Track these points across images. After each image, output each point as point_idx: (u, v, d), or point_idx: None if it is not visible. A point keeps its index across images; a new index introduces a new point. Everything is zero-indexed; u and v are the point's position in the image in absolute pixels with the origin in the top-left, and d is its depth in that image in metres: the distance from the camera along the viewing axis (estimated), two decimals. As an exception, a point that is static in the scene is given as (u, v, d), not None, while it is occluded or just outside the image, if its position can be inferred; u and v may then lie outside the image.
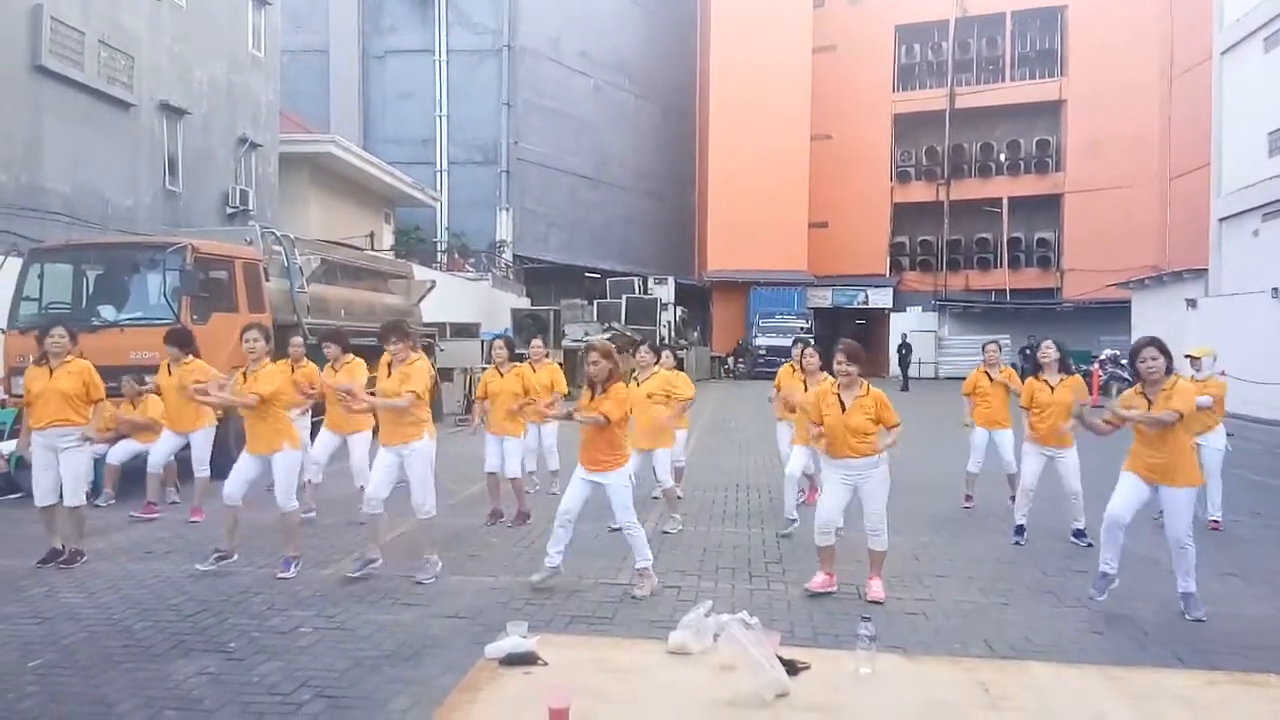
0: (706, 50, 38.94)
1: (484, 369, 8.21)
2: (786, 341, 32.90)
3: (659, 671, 2.95)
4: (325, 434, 8.36)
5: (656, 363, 8.13)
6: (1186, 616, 5.41)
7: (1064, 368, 7.42)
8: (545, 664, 2.96)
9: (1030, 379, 7.56)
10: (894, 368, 36.62)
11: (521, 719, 2.55)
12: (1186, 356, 8.17)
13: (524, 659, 2.98)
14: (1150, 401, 5.40)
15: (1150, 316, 26.60)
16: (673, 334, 30.37)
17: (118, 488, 8.91)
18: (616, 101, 38.16)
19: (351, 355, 8.39)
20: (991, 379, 8.62)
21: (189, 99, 17.79)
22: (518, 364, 8.40)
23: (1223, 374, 8.73)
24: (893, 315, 37.76)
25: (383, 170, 25.24)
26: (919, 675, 3.00)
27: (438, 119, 33.06)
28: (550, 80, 34.70)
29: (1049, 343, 7.47)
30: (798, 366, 7.96)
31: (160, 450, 8.33)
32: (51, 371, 6.64)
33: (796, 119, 36.50)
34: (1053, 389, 7.25)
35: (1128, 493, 5.50)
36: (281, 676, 4.48)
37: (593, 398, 5.90)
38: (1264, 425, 17.36)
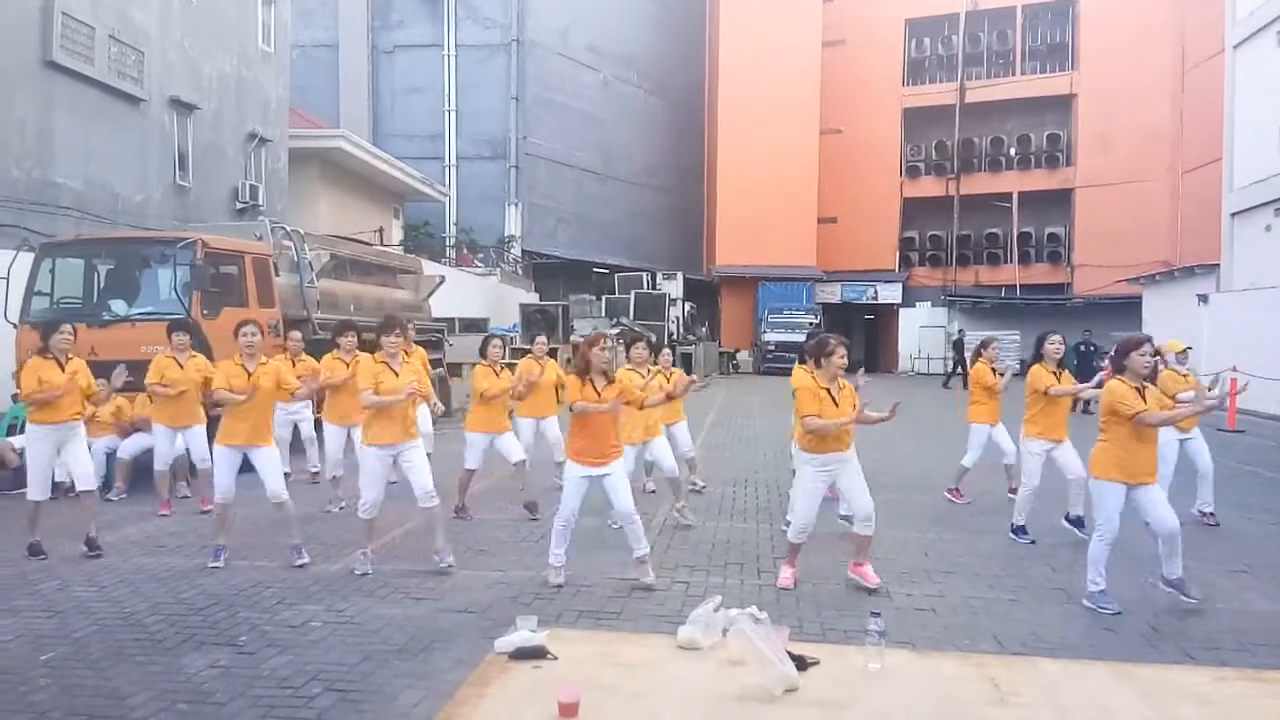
0: (715, 44, 38.82)
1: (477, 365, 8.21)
2: (796, 337, 32.82)
3: (668, 666, 2.96)
4: (331, 428, 8.37)
5: (654, 361, 8.20)
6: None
7: (1065, 363, 7.57)
8: (554, 658, 2.97)
9: (1035, 367, 7.44)
10: (904, 361, 36.85)
11: (530, 713, 2.56)
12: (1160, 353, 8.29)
13: (533, 653, 2.99)
14: (1143, 395, 5.46)
15: (1161, 312, 26.44)
16: (681, 329, 30.34)
17: (129, 482, 8.97)
18: (625, 96, 38.09)
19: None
20: (996, 374, 8.62)
21: (199, 94, 17.84)
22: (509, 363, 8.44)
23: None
24: (902, 310, 37.64)
25: (392, 165, 25.27)
26: (928, 671, 3.00)
27: (446, 114, 33.04)
28: (559, 75, 34.65)
29: (1058, 336, 7.50)
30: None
31: (164, 447, 8.28)
32: (63, 366, 6.74)
33: (806, 113, 36.36)
34: (1059, 381, 7.35)
35: (1120, 504, 5.52)
36: (292, 670, 4.51)
37: (594, 386, 5.90)
38: (1276, 422, 17.26)
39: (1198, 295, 22.85)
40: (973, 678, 2.88)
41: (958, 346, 28.61)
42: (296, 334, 9.58)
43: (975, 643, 4.95)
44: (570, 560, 6.15)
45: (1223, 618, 5.42)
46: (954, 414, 8.86)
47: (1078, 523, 7.30)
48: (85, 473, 6.88)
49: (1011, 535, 7.32)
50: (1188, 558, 5.72)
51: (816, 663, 2.90)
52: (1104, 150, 35.63)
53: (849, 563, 6.07)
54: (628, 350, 7.64)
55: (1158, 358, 6.97)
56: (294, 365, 8.90)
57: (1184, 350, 8.27)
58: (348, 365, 8.20)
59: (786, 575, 6.05)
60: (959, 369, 27.65)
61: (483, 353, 8.22)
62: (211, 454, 6.98)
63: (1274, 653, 4.82)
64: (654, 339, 11.56)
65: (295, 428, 9.79)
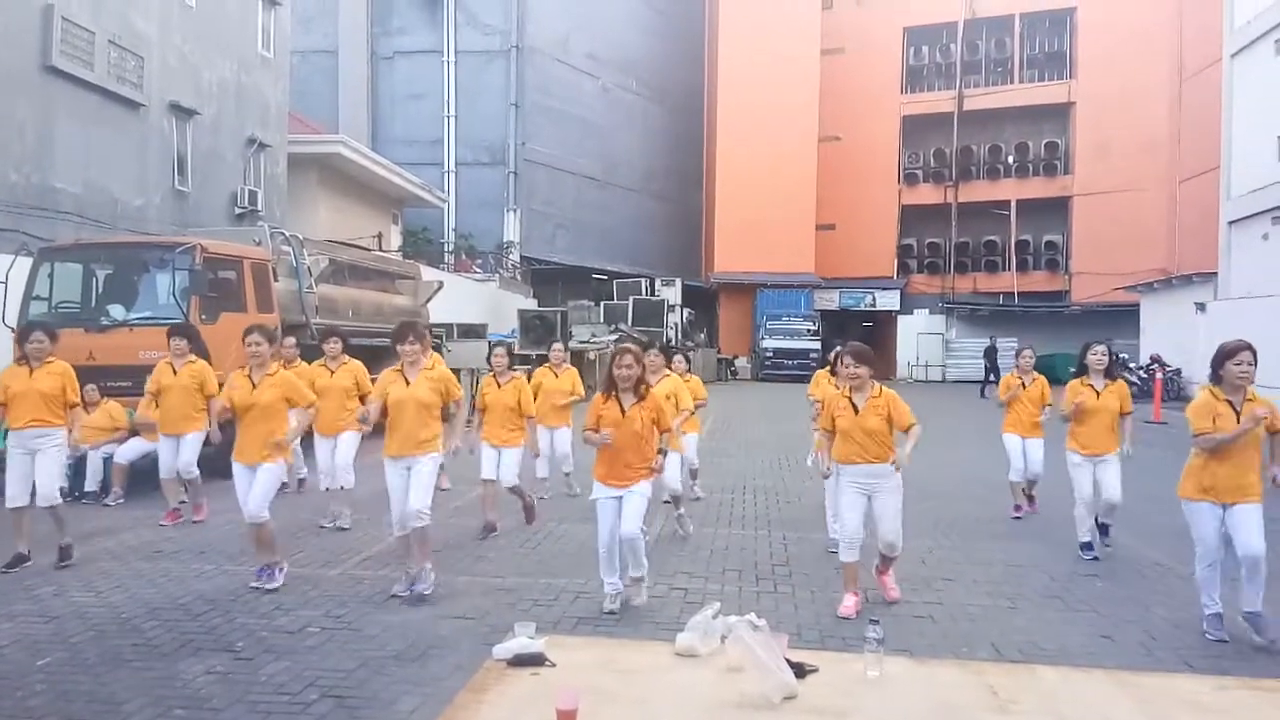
0: (715, 51, 38.91)
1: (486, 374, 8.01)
2: (794, 344, 32.88)
3: (666, 673, 2.96)
4: (318, 438, 8.04)
5: (666, 366, 8.00)
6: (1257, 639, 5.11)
7: (1110, 373, 7.10)
8: (553, 665, 2.97)
9: (1073, 382, 7.13)
10: (902, 368, 36.85)
11: (529, 720, 2.56)
12: None
13: (531, 660, 2.99)
14: (1237, 410, 5.14)
15: (1159, 320, 26.52)
16: (680, 336, 30.36)
17: (126, 486, 8.94)
18: (624, 103, 38.17)
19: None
20: (1025, 385, 8.46)
21: (198, 99, 17.85)
22: (516, 373, 8.17)
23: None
24: (900, 317, 37.67)
25: (391, 171, 25.30)
26: (927, 678, 3.00)
27: (446, 120, 33.07)
28: (558, 81, 34.72)
29: (1101, 347, 7.13)
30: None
31: (166, 455, 7.99)
32: (31, 372, 6.53)
33: (804, 121, 36.43)
34: (1099, 394, 6.95)
35: (1214, 523, 5.13)
36: (289, 676, 4.49)
37: (619, 403, 5.49)
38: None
39: (1195, 303, 22.90)
40: (971, 685, 2.88)
41: (990, 354, 28.24)
42: (291, 339, 9.35)
43: (973, 650, 4.94)
44: (584, 568, 6.07)
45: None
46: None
47: (1085, 548, 7.00)
48: (46, 493, 6.46)
49: (1079, 553, 7.01)
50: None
51: (815, 670, 2.90)
52: (1102, 158, 35.73)
53: (874, 567, 5.88)
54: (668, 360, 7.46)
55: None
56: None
57: None
58: (332, 373, 8.10)
59: (850, 604, 5.50)
60: (991, 377, 27.22)
61: (488, 361, 8.11)
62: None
63: (1274, 661, 4.81)
64: (679, 345, 11.47)
65: None
